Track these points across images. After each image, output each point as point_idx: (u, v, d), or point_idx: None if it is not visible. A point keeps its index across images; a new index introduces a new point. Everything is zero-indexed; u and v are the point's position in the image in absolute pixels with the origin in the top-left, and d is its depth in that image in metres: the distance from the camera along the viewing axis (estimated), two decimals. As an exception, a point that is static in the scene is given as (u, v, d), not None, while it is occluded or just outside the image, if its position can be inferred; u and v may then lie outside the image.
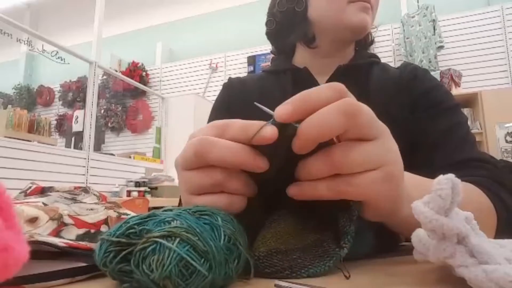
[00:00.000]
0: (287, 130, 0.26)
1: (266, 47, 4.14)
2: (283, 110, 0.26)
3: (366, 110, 0.27)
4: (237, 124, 0.29)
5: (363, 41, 0.72)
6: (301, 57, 0.72)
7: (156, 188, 3.33)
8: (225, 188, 0.29)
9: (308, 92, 0.27)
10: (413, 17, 3.70)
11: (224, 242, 0.23)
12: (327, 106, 0.26)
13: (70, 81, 5.49)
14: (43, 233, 0.32)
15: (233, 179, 0.29)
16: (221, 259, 0.23)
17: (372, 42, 0.74)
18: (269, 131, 0.26)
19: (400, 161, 0.30)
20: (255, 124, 0.27)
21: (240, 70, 4.59)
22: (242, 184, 0.29)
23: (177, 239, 0.22)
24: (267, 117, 0.28)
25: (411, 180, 0.35)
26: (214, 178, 0.28)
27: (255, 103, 0.29)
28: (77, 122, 5.16)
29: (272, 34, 0.74)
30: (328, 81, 0.65)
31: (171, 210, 0.26)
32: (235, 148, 0.27)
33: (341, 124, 0.26)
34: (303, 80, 0.66)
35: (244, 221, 0.28)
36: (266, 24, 0.73)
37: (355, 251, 0.32)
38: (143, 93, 4.97)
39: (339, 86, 0.28)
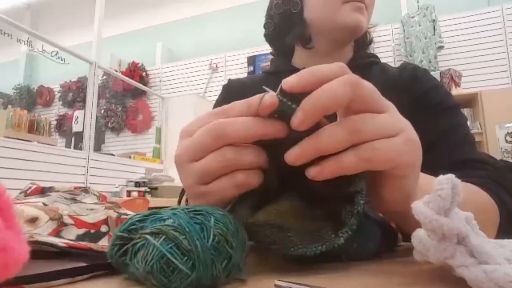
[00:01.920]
0: (287, 111, 0.26)
1: (266, 47, 4.12)
2: (290, 80, 0.26)
3: (369, 84, 0.27)
4: (239, 103, 0.29)
5: (361, 41, 0.72)
6: (300, 58, 0.72)
7: (156, 188, 3.33)
8: (239, 165, 0.28)
9: (315, 67, 0.27)
10: (413, 17, 3.70)
11: (213, 243, 0.23)
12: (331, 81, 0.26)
13: (70, 81, 5.49)
14: (43, 233, 0.32)
15: (245, 152, 0.28)
16: (207, 259, 0.23)
17: (370, 41, 0.74)
18: (268, 98, 0.26)
19: (413, 129, 0.30)
20: (255, 98, 0.28)
21: (240, 70, 4.59)
22: (255, 155, 0.29)
23: (163, 237, 0.23)
24: None
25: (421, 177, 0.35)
26: (227, 157, 0.28)
27: (263, 87, 0.28)
28: (77, 122, 5.16)
29: (271, 36, 0.74)
30: None
31: (174, 208, 0.26)
32: (253, 120, 0.27)
33: (346, 93, 0.26)
34: None
35: (259, 192, 0.29)
36: (264, 26, 0.74)
37: (366, 247, 0.33)
38: (143, 93, 4.97)
39: (343, 65, 0.28)
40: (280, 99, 0.26)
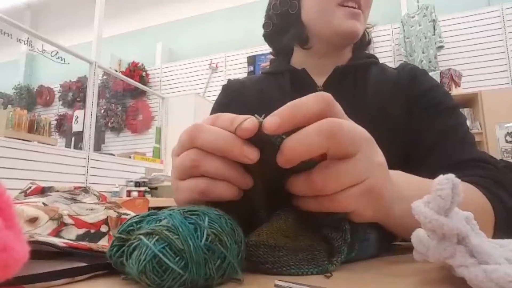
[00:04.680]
0: (276, 138, 0.27)
1: (266, 47, 4.09)
2: (271, 123, 0.26)
3: (347, 126, 0.27)
4: (225, 116, 0.29)
5: (359, 42, 0.72)
6: (298, 58, 0.72)
7: (156, 188, 3.32)
8: (203, 170, 0.29)
9: (296, 105, 0.27)
10: (413, 17, 3.70)
11: (206, 242, 0.23)
12: (310, 125, 0.27)
13: (70, 81, 5.49)
14: (43, 233, 0.32)
15: (209, 158, 0.28)
16: (200, 258, 0.23)
17: (369, 42, 0.74)
18: (249, 124, 0.26)
19: (382, 171, 0.30)
20: (241, 117, 0.28)
21: (240, 70, 4.59)
22: (221, 166, 0.28)
23: (156, 237, 0.23)
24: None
25: (402, 178, 0.36)
26: (191, 158, 0.29)
27: (255, 115, 0.29)
28: (77, 122, 5.16)
29: (269, 37, 0.75)
30: (326, 81, 0.65)
31: (173, 209, 0.26)
32: (223, 134, 0.28)
33: (322, 144, 0.26)
34: (301, 81, 0.66)
35: (242, 216, 0.28)
36: (263, 26, 0.74)
37: (364, 254, 0.33)
38: (143, 93, 4.97)
39: (327, 96, 0.28)
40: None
